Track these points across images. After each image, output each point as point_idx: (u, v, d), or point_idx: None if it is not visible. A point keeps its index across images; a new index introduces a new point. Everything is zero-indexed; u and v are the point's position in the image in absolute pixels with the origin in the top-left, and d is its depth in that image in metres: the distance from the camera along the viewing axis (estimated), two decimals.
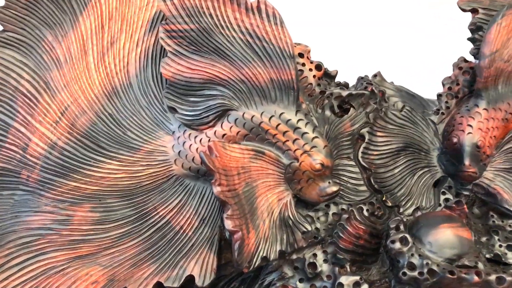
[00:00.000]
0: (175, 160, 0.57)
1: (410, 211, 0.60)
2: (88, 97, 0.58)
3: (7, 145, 0.58)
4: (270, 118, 0.54)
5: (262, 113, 0.54)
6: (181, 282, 0.53)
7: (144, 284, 0.53)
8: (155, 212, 0.55)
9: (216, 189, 0.51)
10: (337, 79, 0.64)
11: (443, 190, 0.62)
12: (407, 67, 0.89)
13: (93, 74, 0.58)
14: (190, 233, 0.54)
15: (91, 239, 0.54)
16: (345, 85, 0.66)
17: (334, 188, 0.56)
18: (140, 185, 0.56)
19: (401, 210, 0.61)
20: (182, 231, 0.54)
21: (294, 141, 0.54)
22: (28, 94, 0.58)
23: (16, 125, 0.58)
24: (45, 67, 0.59)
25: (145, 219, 0.55)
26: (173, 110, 0.56)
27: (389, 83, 0.72)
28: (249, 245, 0.52)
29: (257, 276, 0.58)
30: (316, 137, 0.55)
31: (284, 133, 0.54)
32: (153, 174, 0.57)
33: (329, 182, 0.55)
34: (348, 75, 0.70)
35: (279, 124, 0.54)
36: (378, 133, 0.62)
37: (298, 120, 0.54)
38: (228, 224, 0.50)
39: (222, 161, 0.52)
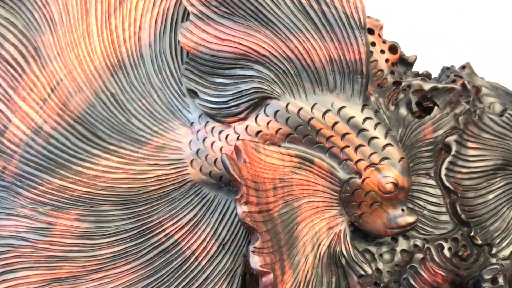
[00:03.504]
0: (191, 161, 0.46)
1: (506, 252, 0.48)
2: (86, 70, 0.47)
3: None
4: (324, 113, 0.43)
5: (313, 105, 0.43)
6: None
7: None
8: (161, 229, 0.45)
9: (242, 209, 0.39)
10: (414, 68, 0.53)
11: None
12: (503, 59, 0.73)
13: (95, 40, 0.47)
14: (204, 262, 0.44)
15: (75, 257, 0.45)
16: (427, 76, 0.54)
17: (410, 219, 0.43)
18: (144, 190, 0.46)
19: (494, 250, 0.48)
20: (194, 258, 0.44)
21: (357, 148, 0.43)
22: (13, 62, 0.48)
23: None
24: (35, 28, 0.48)
25: (146, 237, 0.45)
26: (193, 93, 0.46)
27: (480, 78, 0.58)
28: None
29: None
30: (389, 144, 0.43)
31: (343, 135, 0.43)
32: (162, 178, 0.46)
33: (402, 210, 0.43)
34: (427, 63, 0.57)
35: (336, 123, 0.43)
36: (470, 144, 0.49)
37: (365, 119, 0.43)
38: (256, 262, 0.38)
39: (252, 170, 0.40)
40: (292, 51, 0.43)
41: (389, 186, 0.42)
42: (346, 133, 0.43)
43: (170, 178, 0.46)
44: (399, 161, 0.43)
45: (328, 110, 0.43)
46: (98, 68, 0.47)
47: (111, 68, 0.47)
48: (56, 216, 0.45)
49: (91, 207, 0.46)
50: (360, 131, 0.43)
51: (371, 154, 0.42)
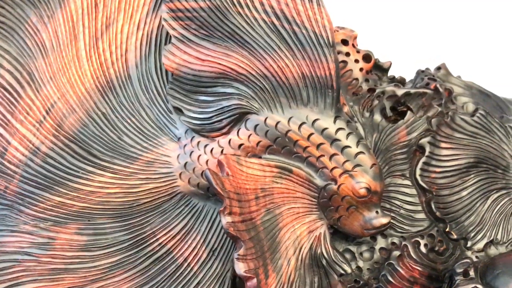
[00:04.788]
0: (180, 174, 0.48)
1: (480, 245, 0.50)
2: (78, 92, 0.50)
3: None
4: (300, 126, 0.45)
5: (290, 118, 0.46)
6: None
7: None
8: (154, 239, 0.48)
9: (225, 220, 0.41)
10: (390, 73, 0.55)
11: None
12: (479, 58, 0.75)
13: (84, 64, 0.50)
14: (196, 268, 0.47)
15: (76, 268, 0.47)
16: (401, 81, 0.56)
17: (384, 220, 0.45)
18: (137, 203, 0.48)
19: (469, 243, 0.50)
20: (186, 264, 0.47)
21: (331, 156, 0.45)
22: (9, 88, 0.50)
23: None
24: (28, 55, 0.50)
25: (141, 247, 0.48)
26: (178, 111, 0.48)
27: (456, 78, 0.60)
28: None
29: None
30: (361, 152, 0.45)
31: (318, 146, 0.45)
32: (153, 191, 0.48)
33: (376, 212, 0.45)
34: (404, 67, 0.59)
35: (311, 134, 0.45)
36: (443, 144, 0.51)
37: (337, 130, 0.45)
38: (240, 268, 0.40)
39: (235, 182, 0.42)
40: (268, 69, 0.45)
41: (363, 191, 0.44)
42: (321, 144, 0.45)
43: (161, 190, 0.48)
44: (371, 167, 0.45)
45: (303, 123, 0.45)
46: (89, 90, 0.49)
47: (101, 89, 0.49)
48: (57, 231, 0.47)
49: (89, 221, 0.48)
50: (333, 141, 0.45)
51: (344, 162, 0.44)
